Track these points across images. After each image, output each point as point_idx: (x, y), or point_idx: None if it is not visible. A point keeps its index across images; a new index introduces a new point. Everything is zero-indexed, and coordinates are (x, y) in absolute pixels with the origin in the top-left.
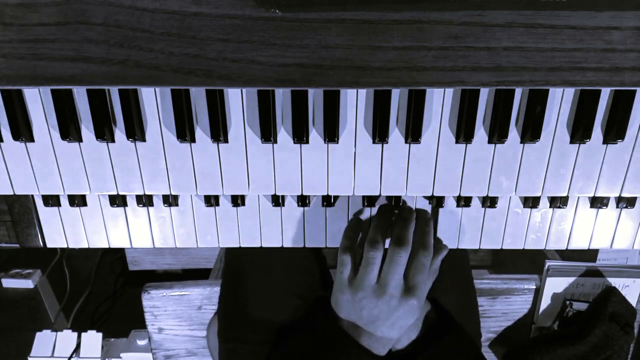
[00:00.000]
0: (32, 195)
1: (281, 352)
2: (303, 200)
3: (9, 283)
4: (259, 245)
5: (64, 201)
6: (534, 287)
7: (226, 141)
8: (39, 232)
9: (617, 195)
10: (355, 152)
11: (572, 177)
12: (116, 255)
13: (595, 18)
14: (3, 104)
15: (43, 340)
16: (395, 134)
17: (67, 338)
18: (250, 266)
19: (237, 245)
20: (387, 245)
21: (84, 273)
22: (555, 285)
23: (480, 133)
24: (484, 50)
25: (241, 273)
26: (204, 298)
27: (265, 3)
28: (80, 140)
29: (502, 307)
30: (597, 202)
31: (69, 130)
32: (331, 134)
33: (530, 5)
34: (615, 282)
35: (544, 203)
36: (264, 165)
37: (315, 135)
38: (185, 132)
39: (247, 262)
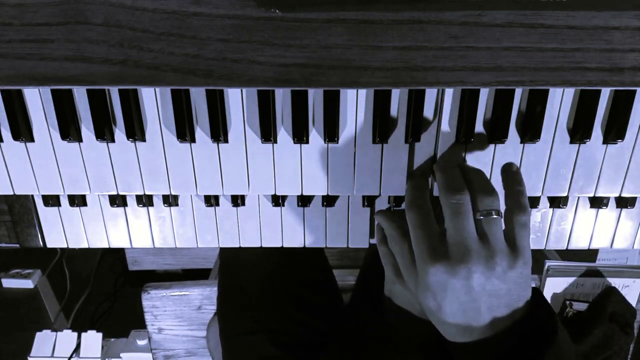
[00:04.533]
0: (32, 195)
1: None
2: (303, 200)
3: (9, 283)
4: (259, 245)
5: (64, 201)
6: (534, 287)
7: (226, 141)
8: (39, 232)
9: (617, 195)
10: (355, 152)
11: (572, 177)
12: (116, 255)
13: (595, 18)
14: (3, 104)
15: (43, 340)
16: (396, 134)
17: (67, 338)
18: (247, 258)
19: (238, 245)
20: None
21: (84, 273)
22: (555, 285)
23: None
24: (484, 50)
25: (237, 265)
26: (203, 298)
27: (265, 3)
28: (80, 140)
29: None
30: (597, 202)
31: (69, 130)
32: (331, 134)
33: (530, 5)
34: (615, 282)
35: (544, 203)
36: (264, 165)
37: (315, 135)
38: (185, 132)
39: (243, 255)
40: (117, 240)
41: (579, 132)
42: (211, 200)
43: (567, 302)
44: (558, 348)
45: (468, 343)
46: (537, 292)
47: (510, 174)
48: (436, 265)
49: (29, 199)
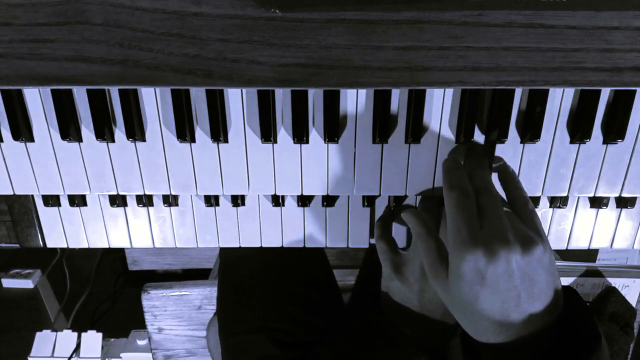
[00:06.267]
0: (32, 195)
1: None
2: (303, 200)
3: (9, 283)
4: (259, 245)
5: (64, 201)
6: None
7: (226, 141)
8: (39, 232)
9: (617, 195)
10: (355, 152)
11: (572, 177)
12: (116, 255)
13: (595, 18)
14: (3, 104)
15: (43, 340)
16: (396, 134)
17: (67, 338)
18: (247, 258)
19: (238, 245)
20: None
21: (84, 273)
22: None
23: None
24: (484, 50)
25: (237, 265)
26: (203, 298)
27: (265, 3)
28: (80, 140)
29: None
30: (597, 202)
31: (69, 130)
32: (331, 134)
33: (530, 5)
34: (615, 282)
35: (544, 203)
36: (264, 165)
37: (315, 135)
38: (185, 132)
39: (243, 254)
40: (117, 240)
41: (579, 132)
42: (211, 200)
43: None
44: (599, 357)
45: (499, 344)
46: (575, 294)
47: (507, 173)
48: (475, 251)
49: (29, 199)
